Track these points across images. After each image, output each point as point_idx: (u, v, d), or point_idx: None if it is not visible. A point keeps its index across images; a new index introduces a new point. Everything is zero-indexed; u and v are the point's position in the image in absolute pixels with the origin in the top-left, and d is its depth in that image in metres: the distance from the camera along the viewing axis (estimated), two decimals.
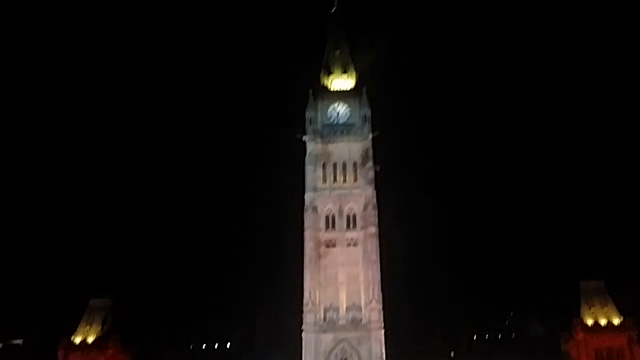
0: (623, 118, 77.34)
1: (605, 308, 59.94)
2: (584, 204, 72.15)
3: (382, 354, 53.30)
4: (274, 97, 78.51)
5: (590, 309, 60.11)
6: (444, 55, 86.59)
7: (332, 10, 68.27)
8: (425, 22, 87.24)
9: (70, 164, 77.68)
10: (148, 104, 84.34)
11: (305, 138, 61.35)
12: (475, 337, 64.27)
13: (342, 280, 56.78)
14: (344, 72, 65.09)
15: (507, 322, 69.08)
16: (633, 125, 74.55)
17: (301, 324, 54.80)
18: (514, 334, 66.31)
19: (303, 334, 54.58)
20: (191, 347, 64.87)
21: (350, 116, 62.68)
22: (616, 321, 59.12)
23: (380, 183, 59.64)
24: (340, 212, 59.00)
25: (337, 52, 65.90)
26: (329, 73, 64.97)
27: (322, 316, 55.34)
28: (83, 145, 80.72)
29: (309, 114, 62.17)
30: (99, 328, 60.27)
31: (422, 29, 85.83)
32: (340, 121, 62.64)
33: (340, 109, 63.12)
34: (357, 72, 65.09)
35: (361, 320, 55.07)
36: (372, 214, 58.02)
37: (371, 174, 59.63)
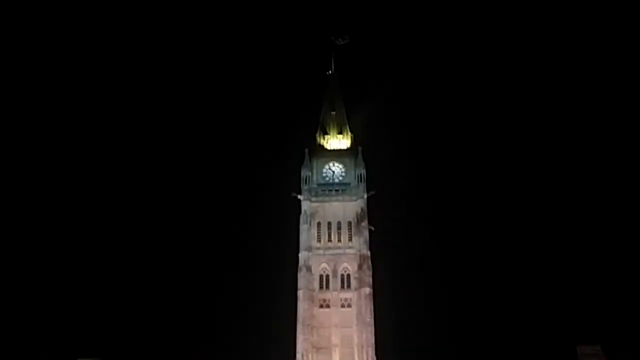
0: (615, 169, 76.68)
1: None
2: (580, 267, 71.82)
3: None
4: (270, 155, 79.01)
5: None
6: (440, 116, 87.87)
7: (329, 72, 69.93)
8: (421, 83, 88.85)
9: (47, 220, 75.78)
10: (134, 162, 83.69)
11: (300, 197, 61.71)
12: None
13: (336, 342, 55.87)
14: (340, 132, 66.16)
15: None
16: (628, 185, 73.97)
17: None
18: None
19: None
20: None
21: (345, 176, 63.36)
22: None
23: (375, 243, 59.75)
24: (335, 272, 58.71)
25: (333, 113, 67.20)
26: (325, 133, 66.03)
27: None
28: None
29: (304, 173, 62.76)
30: None
31: (419, 90, 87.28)
32: (336, 180, 63.32)
33: (335, 169, 63.89)
34: (352, 132, 66.16)
35: None
36: (367, 274, 57.69)
37: (366, 234, 59.65)
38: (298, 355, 54.52)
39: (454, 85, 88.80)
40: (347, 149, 65.11)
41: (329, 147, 65.44)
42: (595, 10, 79.71)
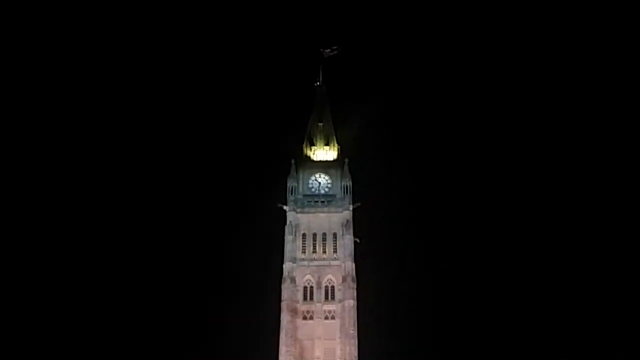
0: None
1: None
2: (562, 283, 72.21)
3: None
4: (256, 166, 78.61)
5: None
6: (428, 129, 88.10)
7: (317, 83, 70.02)
8: (409, 96, 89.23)
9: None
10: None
11: (285, 207, 61.51)
12: None
13: (319, 355, 55.67)
14: (327, 144, 66.16)
15: None
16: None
17: None
18: None
19: None
20: None
21: (331, 187, 63.33)
22: None
23: (360, 255, 59.58)
24: (319, 283, 58.51)
25: (321, 124, 67.21)
26: (312, 144, 65.98)
27: None
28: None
29: (290, 184, 62.59)
30: None
31: (406, 103, 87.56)
32: (322, 192, 63.27)
33: (321, 180, 63.84)
34: (339, 144, 66.20)
35: None
36: (351, 286, 57.53)
37: (351, 246, 59.56)
38: None
39: (441, 98, 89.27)
40: (334, 161, 65.12)
41: (315, 159, 65.44)
42: (584, 10, 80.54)
